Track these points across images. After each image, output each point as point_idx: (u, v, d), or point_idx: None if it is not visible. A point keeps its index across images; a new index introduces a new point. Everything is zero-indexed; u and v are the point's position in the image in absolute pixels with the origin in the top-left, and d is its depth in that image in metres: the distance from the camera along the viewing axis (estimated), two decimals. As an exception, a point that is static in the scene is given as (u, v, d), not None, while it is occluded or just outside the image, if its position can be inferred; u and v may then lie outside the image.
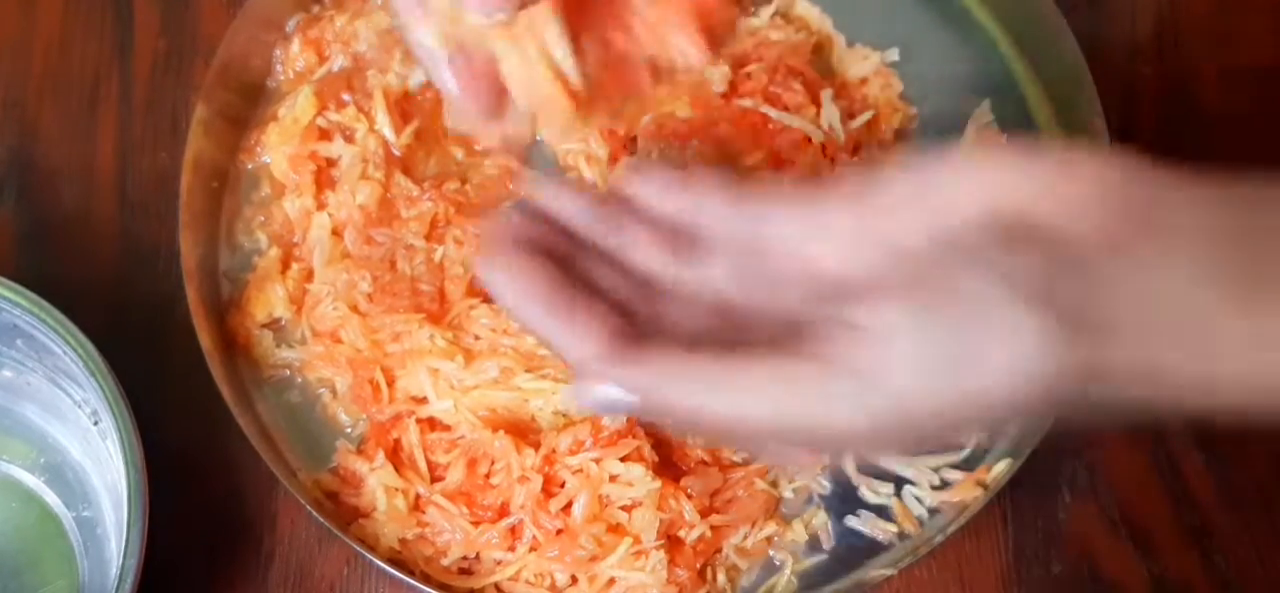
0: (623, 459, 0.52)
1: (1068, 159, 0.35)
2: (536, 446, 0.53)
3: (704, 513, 0.53)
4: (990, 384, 0.33)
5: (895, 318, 0.33)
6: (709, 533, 0.53)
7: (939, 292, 0.33)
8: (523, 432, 0.54)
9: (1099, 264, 0.33)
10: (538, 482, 0.52)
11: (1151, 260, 0.34)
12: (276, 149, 0.60)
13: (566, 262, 0.37)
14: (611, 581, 0.52)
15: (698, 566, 0.53)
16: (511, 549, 0.53)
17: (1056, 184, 0.34)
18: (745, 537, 0.54)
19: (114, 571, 0.49)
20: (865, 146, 0.61)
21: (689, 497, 0.53)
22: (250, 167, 0.61)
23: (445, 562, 0.53)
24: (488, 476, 0.54)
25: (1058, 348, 0.32)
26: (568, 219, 0.38)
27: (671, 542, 0.53)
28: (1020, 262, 0.33)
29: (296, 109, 0.60)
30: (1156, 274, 0.33)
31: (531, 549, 0.52)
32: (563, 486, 0.52)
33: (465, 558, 0.53)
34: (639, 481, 0.52)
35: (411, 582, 0.52)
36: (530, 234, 0.37)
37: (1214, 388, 0.34)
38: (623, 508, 0.52)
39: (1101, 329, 0.33)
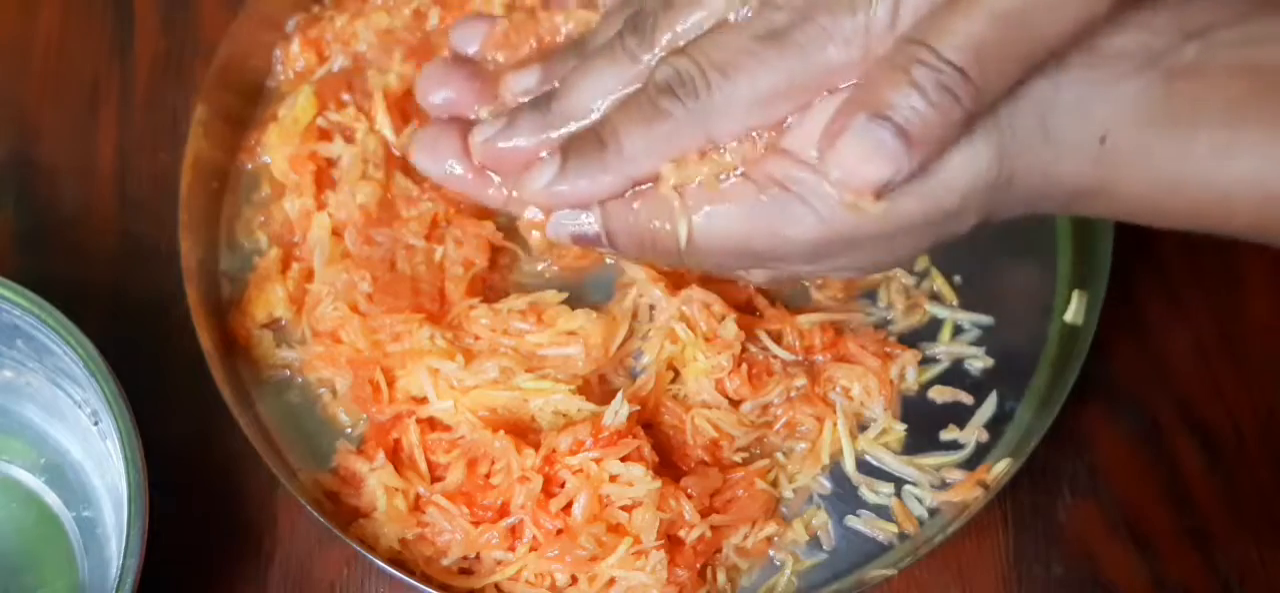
0: (623, 459, 0.52)
1: None
2: (536, 446, 0.53)
3: (704, 513, 0.53)
4: (913, 201, 0.39)
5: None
6: (709, 533, 0.53)
7: None
8: (523, 432, 0.54)
9: (1032, 82, 0.38)
10: (538, 482, 0.52)
11: (1082, 85, 0.39)
12: (276, 149, 0.60)
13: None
14: (611, 581, 0.52)
15: (698, 566, 0.53)
16: (511, 549, 0.53)
17: None
18: (745, 537, 0.54)
19: (114, 571, 0.49)
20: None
21: (689, 497, 0.53)
22: (250, 167, 0.61)
23: (445, 562, 0.53)
24: (488, 476, 0.54)
25: (971, 165, 0.39)
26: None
27: (671, 542, 0.53)
28: None
29: (296, 109, 0.60)
30: (1083, 98, 0.39)
31: (531, 549, 0.52)
32: (563, 486, 0.52)
33: (465, 558, 0.53)
34: (639, 481, 0.52)
35: (411, 582, 0.52)
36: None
37: (1131, 209, 0.40)
38: (623, 508, 0.52)
39: (1018, 145, 0.39)
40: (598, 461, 0.52)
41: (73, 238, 0.61)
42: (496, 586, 0.53)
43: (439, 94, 0.48)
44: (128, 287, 0.60)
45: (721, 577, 0.54)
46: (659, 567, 0.51)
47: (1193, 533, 0.57)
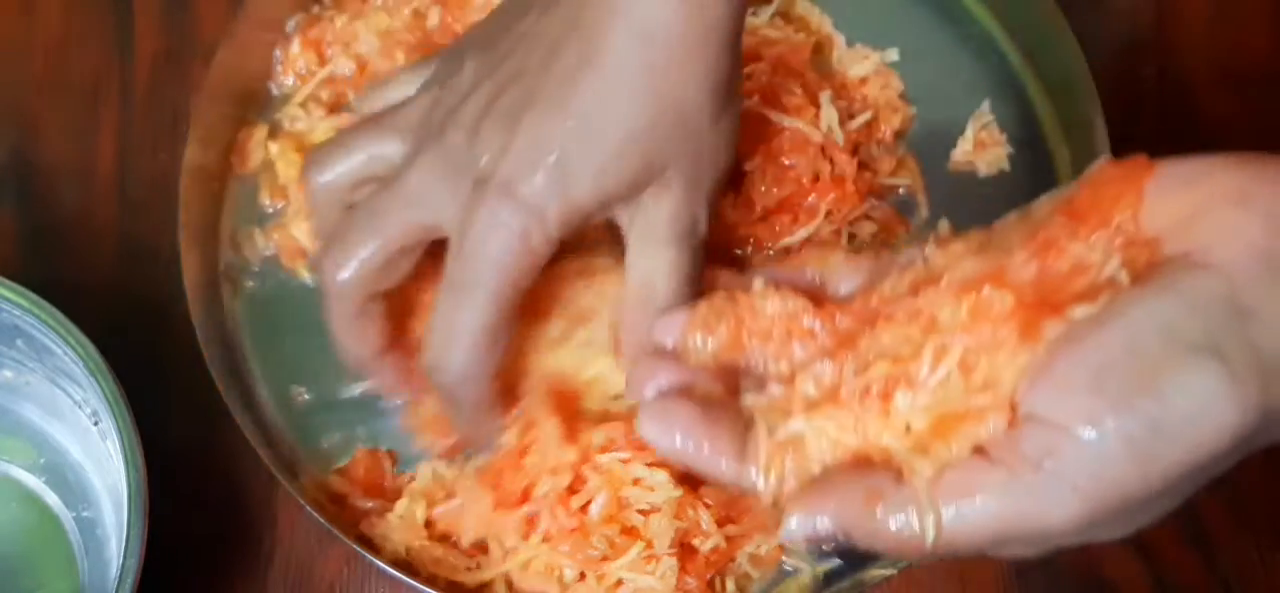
0: (649, 465, 0.51)
1: (1196, 176, 0.37)
2: (576, 435, 0.52)
3: (720, 523, 0.53)
4: (1184, 451, 0.34)
5: (1083, 411, 0.34)
6: (723, 543, 0.53)
7: (1117, 377, 0.34)
8: (570, 409, 0.53)
9: (1260, 296, 0.35)
10: (567, 478, 0.51)
11: None
12: (284, 158, 0.60)
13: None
14: (619, 582, 0.52)
15: (708, 576, 0.52)
16: (526, 538, 0.52)
17: (1194, 207, 0.36)
18: (759, 546, 0.54)
19: (114, 571, 0.49)
20: (864, 146, 0.61)
21: (707, 506, 0.52)
22: (250, 167, 0.61)
23: (462, 542, 0.53)
24: (523, 454, 0.52)
25: (1239, 398, 0.34)
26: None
27: (685, 549, 0.52)
28: (1184, 319, 0.35)
29: (315, 133, 0.60)
30: None
31: (544, 541, 0.52)
32: (585, 483, 0.52)
33: (474, 547, 0.53)
34: (660, 487, 0.51)
35: (412, 582, 0.51)
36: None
37: None
38: (640, 512, 0.51)
39: (1274, 366, 0.34)
40: (625, 461, 0.51)
41: (73, 238, 0.61)
42: (504, 578, 0.52)
43: (650, 387, 0.45)
44: (128, 287, 0.60)
45: (731, 586, 0.54)
46: (669, 573, 0.51)
47: (1193, 533, 0.57)
